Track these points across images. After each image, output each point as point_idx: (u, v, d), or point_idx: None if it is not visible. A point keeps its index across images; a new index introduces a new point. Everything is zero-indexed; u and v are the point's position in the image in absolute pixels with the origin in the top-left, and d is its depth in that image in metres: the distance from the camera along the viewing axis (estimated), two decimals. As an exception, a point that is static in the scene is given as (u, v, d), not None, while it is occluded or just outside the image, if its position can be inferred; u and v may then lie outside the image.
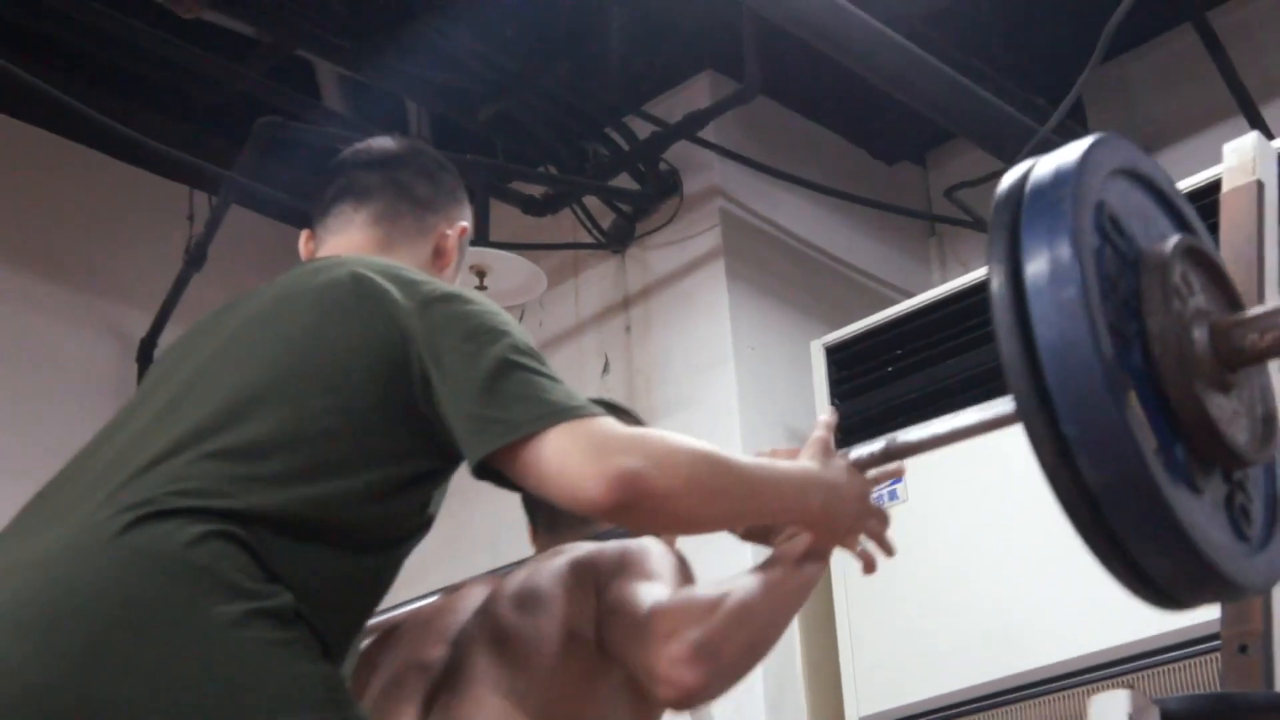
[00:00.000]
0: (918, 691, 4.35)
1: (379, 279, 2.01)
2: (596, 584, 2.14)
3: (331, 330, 1.96)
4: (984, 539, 4.34)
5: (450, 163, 2.47)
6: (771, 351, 5.22)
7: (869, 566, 2.20)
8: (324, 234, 2.32)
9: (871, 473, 2.20)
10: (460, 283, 5.09)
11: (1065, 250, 1.71)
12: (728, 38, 5.30)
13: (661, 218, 5.58)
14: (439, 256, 2.34)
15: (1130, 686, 2.17)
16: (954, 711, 4.27)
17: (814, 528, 2.10)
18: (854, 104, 5.78)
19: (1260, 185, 2.70)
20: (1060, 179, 1.78)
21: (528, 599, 2.17)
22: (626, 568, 2.14)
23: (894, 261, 5.94)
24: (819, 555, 2.11)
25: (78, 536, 1.73)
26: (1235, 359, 1.82)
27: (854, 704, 4.48)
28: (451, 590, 2.39)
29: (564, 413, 1.86)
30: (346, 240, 2.27)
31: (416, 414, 1.92)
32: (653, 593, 2.06)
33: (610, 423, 1.87)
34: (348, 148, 2.42)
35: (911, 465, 4.53)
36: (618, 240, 5.66)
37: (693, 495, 1.88)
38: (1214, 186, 2.78)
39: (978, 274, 4.68)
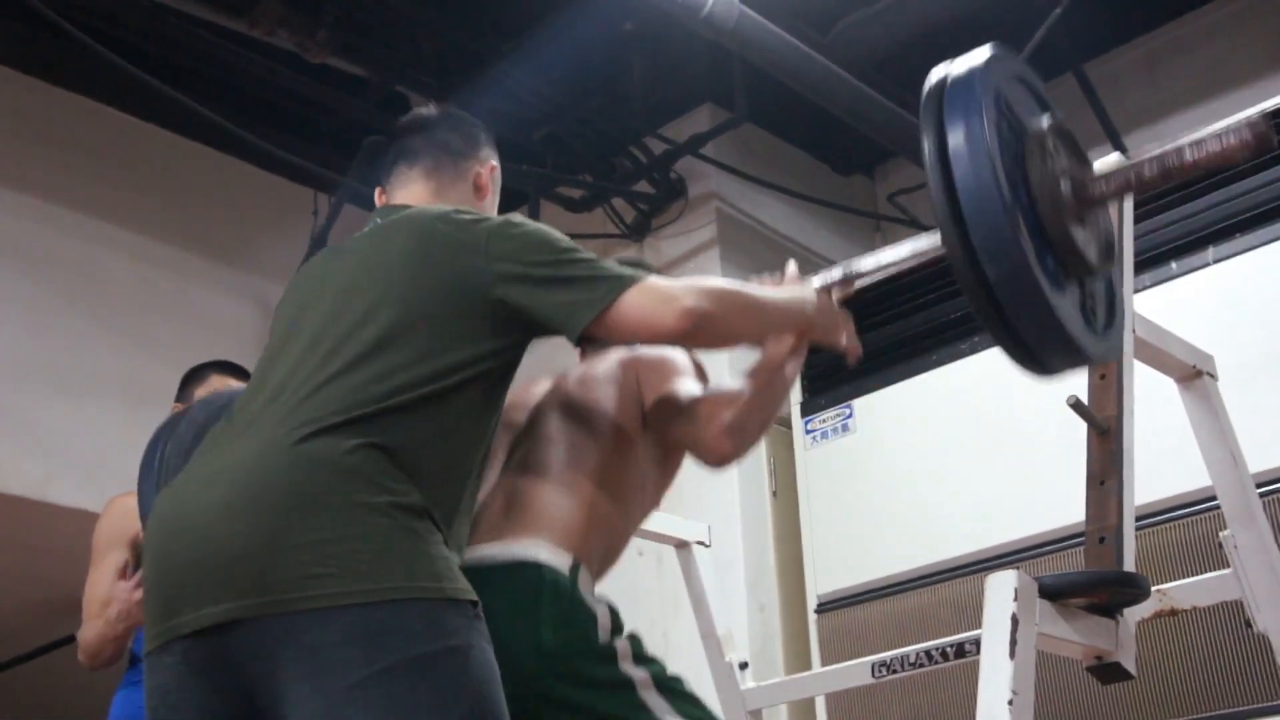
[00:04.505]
0: (862, 575, 4.39)
1: (441, 226, 2.03)
2: (639, 375, 2.30)
3: (414, 275, 1.98)
4: (915, 460, 4.37)
5: (476, 124, 2.43)
6: (754, 318, 5.24)
7: (854, 354, 2.37)
8: (391, 189, 2.30)
9: (833, 294, 2.36)
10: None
11: (977, 120, 1.89)
12: (723, 78, 5.32)
13: (671, 215, 5.60)
14: (478, 191, 2.31)
15: (1018, 569, 2.21)
16: (889, 591, 4.30)
17: (808, 331, 2.27)
18: (819, 129, 5.79)
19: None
20: (972, 73, 1.97)
21: (587, 381, 2.32)
22: (664, 367, 2.31)
23: (848, 251, 5.91)
24: (798, 355, 2.28)
25: (266, 448, 1.82)
26: (1088, 201, 2.02)
27: (814, 584, 4.52)
28: (525, 384, 2.45)
29: (627, 280, 1.96)
30: (407, 193, 2.26)
31: (493, 319, 1.98)
32: (688, 386, 2.25)
33: (660, 279, 2.01)
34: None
35: (857, 404, 4.60)
36: (637, 232, 5.68)
37: (734, 317, 2.04)
38: (1087, 195, 2.80)
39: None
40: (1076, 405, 2.45)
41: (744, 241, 5.52)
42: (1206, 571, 3.02)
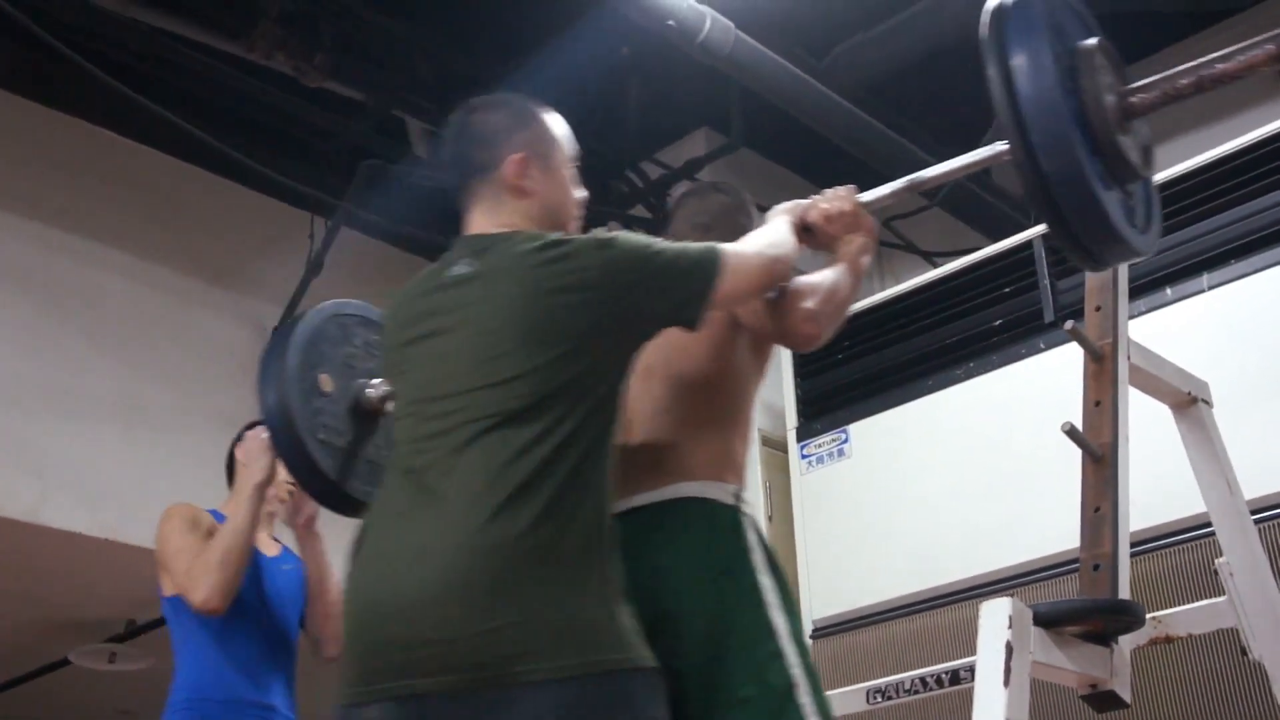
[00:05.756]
0: (858, 600, 4.38)
1: (536, 278, 2.05)
2: None
3: (537, 334, 2.02)
4: (910, 486, 4.36)
5: (496, 100, 2.32)
6: (750, 342, 5.23)
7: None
8: (462, 212, 2.26)
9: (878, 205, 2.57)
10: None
11: (1035, 37, 2.10)
12: (719, 103, 5.33)
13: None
14: (517, 195, 2.20)
15: (1012, 596, 2.20)
16: (884, 616, 4.29)
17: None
18: (814, 154, 5.79)
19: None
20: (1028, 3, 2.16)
21: None
22: None
23: (844, 275, 5.94)
24: (868, 255, 2.50)
25: (455, 532, 1.91)
26: (1130, 112, 2.21)
27: (809, 609, 4.50)
28: None
29: (717, 256, 2.12)
30: (476, 221, 2.21)
31: (620, 341, 2.07)
32: None
33: (734, 246, 2.19)
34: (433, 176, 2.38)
35: (853, 428, 4.58)
36: (634, 256, 5.68)
37: (787, 260, 2.30)
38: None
39: (908, 285, 4.70)
40: (1071, 432, 2.45)
41: (740, 266, 5.51)
42: (1202, 599, 3.00)
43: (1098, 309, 2.64)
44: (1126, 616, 2.29)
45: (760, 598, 2.17)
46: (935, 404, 4.39)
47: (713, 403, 2.37)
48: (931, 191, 5.10)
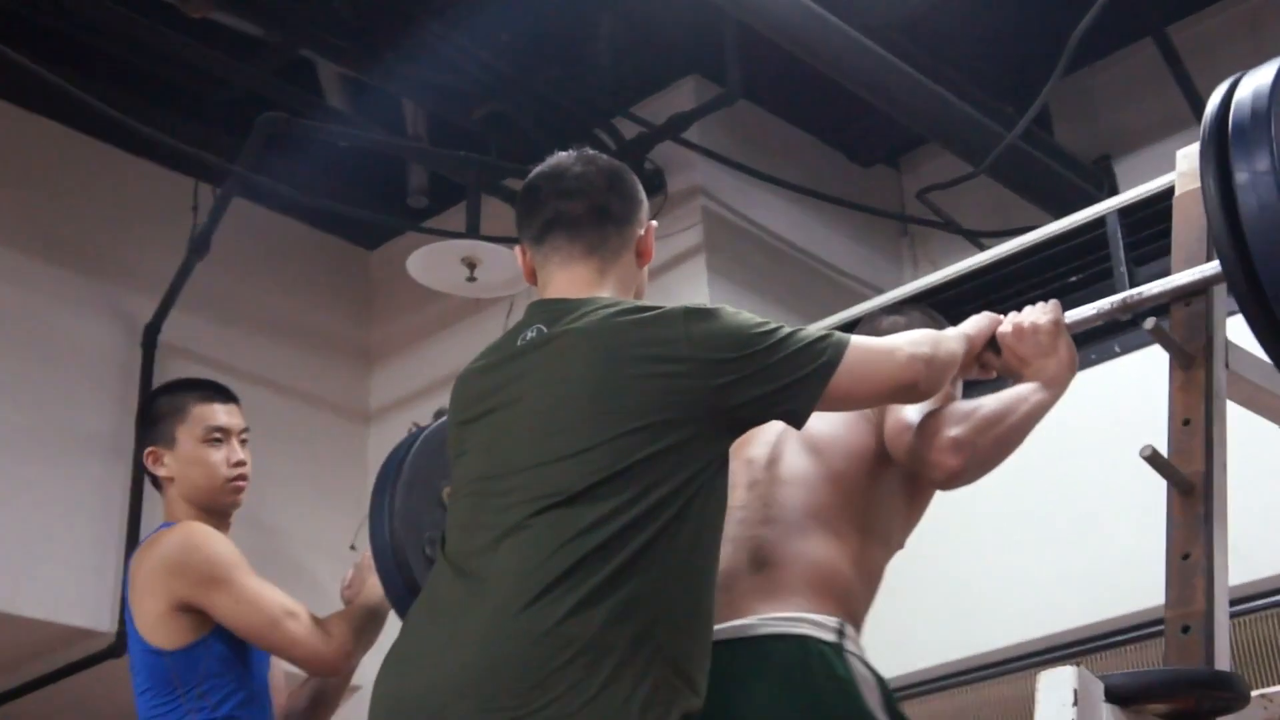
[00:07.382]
0: (888, 670, 4.32)
1: (628, 345, 2.21)
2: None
3: (614, 405, 2.17)
4: (950, 530, 4.34)
5: (629, 172, 2.55)
6: (749, 344, 5.23)
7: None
8: (545, 264, 2.44)
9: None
10: (455, 275, 5.08)
11: (1264, 138, 2.27)
12: (712, 44, 5.32)
13: (645, 215, 5.60)
14: (640, 256, 2.48)
15: (1078, 665, 2.19)
16: (920, 689, 4.29)
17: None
18: (831, 109, 5.80)
19: (1210, 189, 2.72)
20: (1261, 86, 2.31)
21: (826, 414, 2.45)
22: None
23: (868, 259, 5.95)
24: (1058, 390, 2.52)
25: (492, 622, 2.08)
26: None
27: (823, 682, 4.49)
28: None
29: (837, 344, 2.22)
30: (567, 276, 2.40)
31: (708, 427, 2.18)
32: (924, 407, 2.45)
33: (865, 339, 2.28)
34: (539, 169, 2.55)
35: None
36: (603, 236, 5.67)
37: (946, 360, 2.37)
38: (1168, 193, 2.80)
39: (948, 272, 4.69)
40: (1153, 458, 2.43)
41: (737, 249, 5.51)
42: (1320, 670, 3.01)
43: (1187, 304, 2.63)
44: (1226, 692, 2.27)
45: None
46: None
47: (842, 515, 2.45)
48: (978, 156, 5.10)
